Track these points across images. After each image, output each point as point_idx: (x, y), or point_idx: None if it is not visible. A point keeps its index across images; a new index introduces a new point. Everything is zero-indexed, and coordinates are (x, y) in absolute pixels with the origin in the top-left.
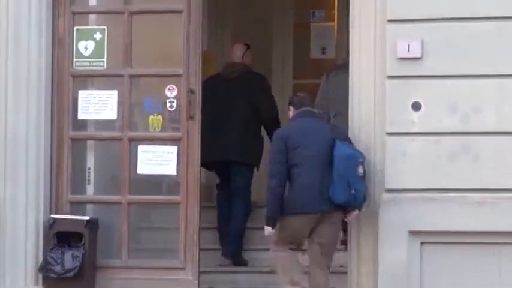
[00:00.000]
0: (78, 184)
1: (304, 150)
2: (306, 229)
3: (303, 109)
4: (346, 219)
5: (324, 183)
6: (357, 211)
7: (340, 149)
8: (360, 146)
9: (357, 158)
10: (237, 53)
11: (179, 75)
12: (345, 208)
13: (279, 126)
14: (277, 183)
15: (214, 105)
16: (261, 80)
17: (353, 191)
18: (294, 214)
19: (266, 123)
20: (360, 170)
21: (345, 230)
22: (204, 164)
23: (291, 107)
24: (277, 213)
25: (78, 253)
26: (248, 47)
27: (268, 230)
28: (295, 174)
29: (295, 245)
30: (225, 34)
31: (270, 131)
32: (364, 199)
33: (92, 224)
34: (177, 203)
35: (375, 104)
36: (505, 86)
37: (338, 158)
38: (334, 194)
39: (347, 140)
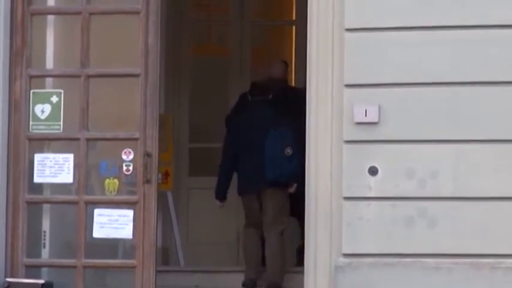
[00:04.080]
0: (33, 247)
1: (248, 138)
2: (253, 205)
3: (254, 98)
4: (289, 191)
5: (261, 165)
6: (295, 185)
7: (271, 135)
8: (316, 210)
9: (283, 141)
10: (279, 70)
11: (136, 139)
12: (285, 183)
13: None
14: (223, 166)
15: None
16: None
17: (278, 171)
18: (242, 195)
19: None
20: (288, 150)
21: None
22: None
23: (248, 94)
24: (221, 189)
25: None
26: (287, 65)
27: (217, 202)
28: (240, 159)
29: (253, 223)
30: (182, 97)
31: None
32: (296, 175)
33: None
34: (133, 267)
35: (331, 168)
36: (462, 152)
37: (268, 143)
38: (266, 173)
39: (286, 125)
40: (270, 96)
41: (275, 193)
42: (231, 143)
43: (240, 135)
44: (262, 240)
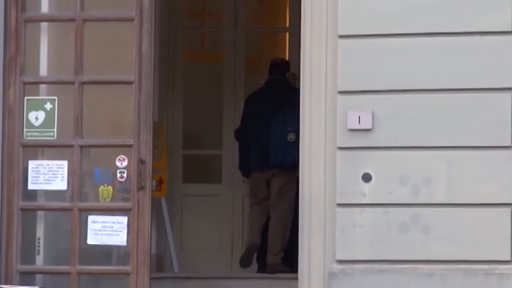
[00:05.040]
0: (27, 254)
1: (257, 120)
2: (260, 184)
3: (269, 78)
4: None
5: (265, 149)
6: None
7: (275, 119)
8: (310, 216)
9: (286, 127)
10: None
11: (130, 146)
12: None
13: None
14: (241, 145)
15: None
16: None
17: (280, 156)
18: (251, 173)
19: None
20: (291, 136)
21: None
22: None
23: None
24: (243, 165)
25: None
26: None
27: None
28: (251, 137)
29: (258, 201)
30: (176, 104)
31: None
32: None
33: None
34: (127, 274)
35: (325, 174)
36: (455, 158)
37: (272, 128)
38: (269, 158)
39: (293, 108)
40: (287, 75)
41: (282, 175)
42: (246, 121)
43: (254, 113)
44: (268, 217)
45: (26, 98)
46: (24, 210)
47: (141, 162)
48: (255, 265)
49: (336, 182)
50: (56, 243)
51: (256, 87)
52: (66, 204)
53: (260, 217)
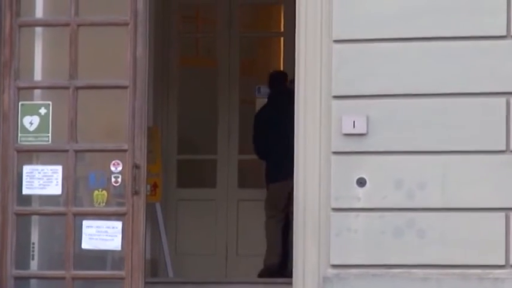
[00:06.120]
0: (22, 259)
1: (275, 129)
2: (283, 192)
3: (274, 90)
4: None
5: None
6: None
7: None
8: (304, 221)
9: None
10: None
11: (124, 151)
12: None
13: None
14: (258, 156)
15: None
16: None
17: None
18: (273, 182)
19: None
20: None
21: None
22: None
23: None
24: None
25: None
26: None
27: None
28: (270, 149)
29: (276, 213)
30: (171, 109)
31: None
32: None
33: None
34: (121, 278)
35: (320, 179)
36: (449, 163)
37: None
38: None
39: None
40: (288, 83)
41: None
42: (260, 136)
43: (268, 127)
44: (283, 229)
45: (20, 102)
46: (18, 214)
47: (136, 167)
48: (254, 270)
49: (330, 187)
50: (50, 248)
51: (263, 104)
52: (60, 209)
53: (278, 233)
